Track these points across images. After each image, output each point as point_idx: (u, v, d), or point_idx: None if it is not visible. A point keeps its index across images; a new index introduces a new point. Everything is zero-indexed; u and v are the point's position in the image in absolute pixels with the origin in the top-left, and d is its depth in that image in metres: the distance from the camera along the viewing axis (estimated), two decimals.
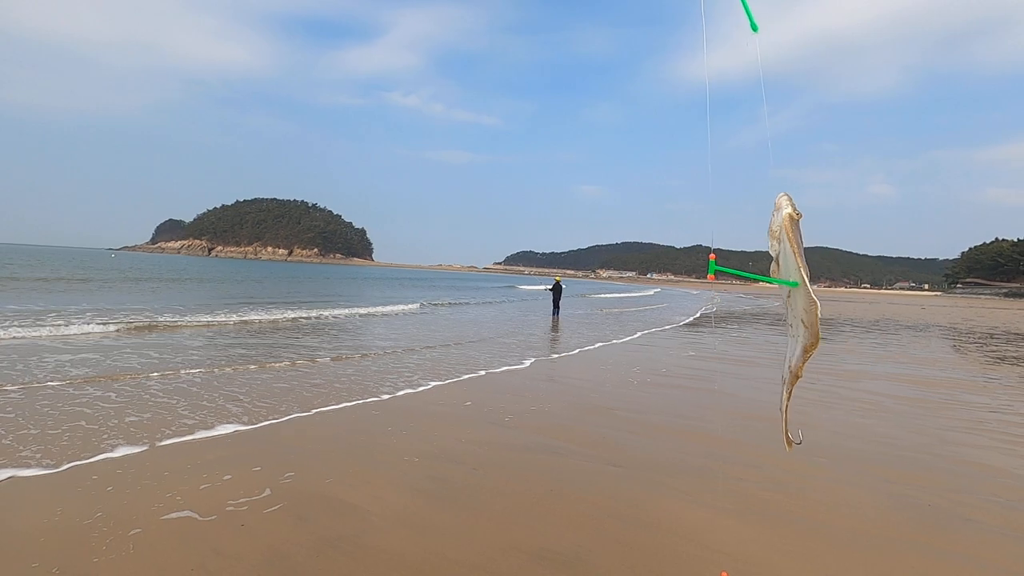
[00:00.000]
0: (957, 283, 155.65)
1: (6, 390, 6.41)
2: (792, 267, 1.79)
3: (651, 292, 67.64)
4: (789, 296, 1.88)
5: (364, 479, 4.32)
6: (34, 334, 10.53)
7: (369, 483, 4.24)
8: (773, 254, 1.90)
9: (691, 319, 24.19)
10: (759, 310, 34.65)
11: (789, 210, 1.80)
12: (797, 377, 1.93)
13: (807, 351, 1.84)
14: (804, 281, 1.76)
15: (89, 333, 11.18)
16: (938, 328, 25.72)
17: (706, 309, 32.84)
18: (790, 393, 2.01)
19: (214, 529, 3.37)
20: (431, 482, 4.32)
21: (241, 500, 3.75)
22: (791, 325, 1.90)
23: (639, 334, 16.43)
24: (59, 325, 11.62)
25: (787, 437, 2.07)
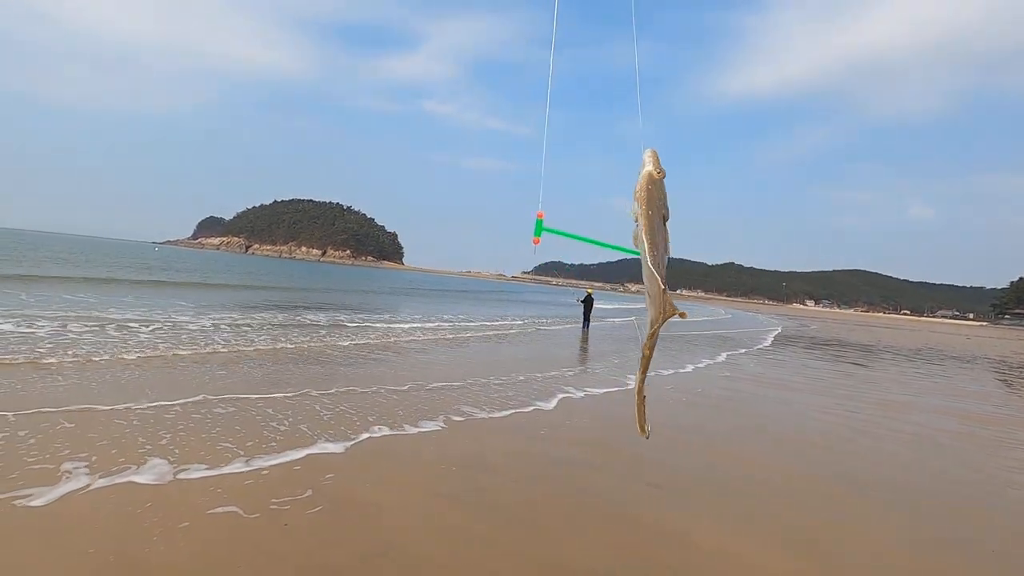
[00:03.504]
0: (1005, 314, 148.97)
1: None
2: (641, 232, 1.62)
3: (724, 314, 58.03)
4: (642, 266, 1.71)
5: (402, 485, 4.31)
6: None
7: (407, 489, 4.23)
8: (632, 217, 1.69)
9: (767, 343, 23.69)
10: (796, 333, 33.75)
11: (650, 167, 1.61)
12: (646, 357, 1.74)
13: (652, 324, 1.68)
14: (644, 251, 1.57)
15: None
16: (986, 360, 24.58)
17: (777, 332, 32.06)
18: (644, 373, 1.82)
19: (258, 527, 3.40)
20: (469, 492, 4.29)
21: (284, 499, 3.79)
22: (646, 297, 1.75)
23: (724, 355, 16.15)
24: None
25: (641, 422, 1.88)
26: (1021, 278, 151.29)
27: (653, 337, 1.71)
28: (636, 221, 1.67)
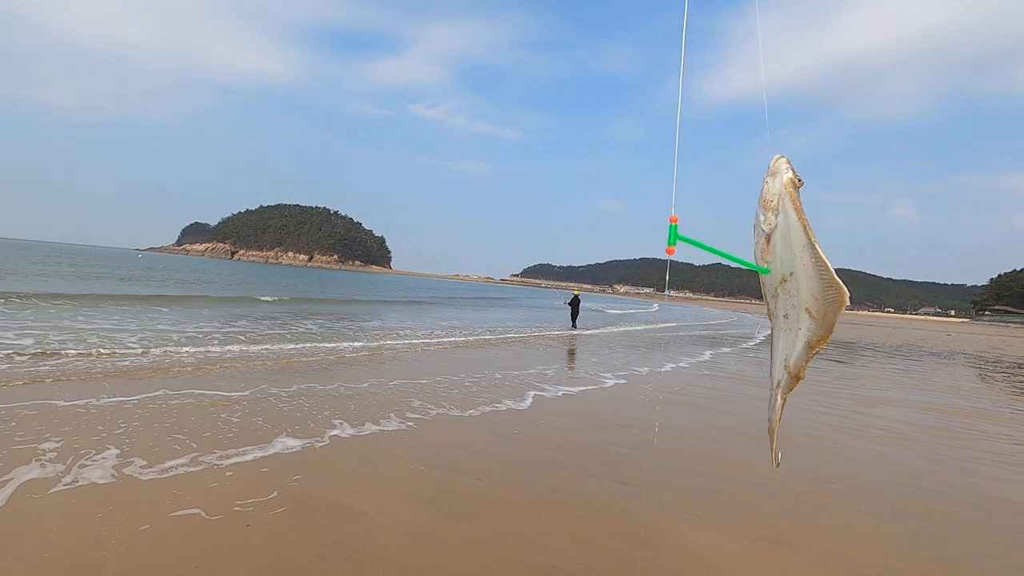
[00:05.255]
0: (985, 310, 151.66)
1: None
2: (798, 243, 1.47)
3: (734, 317, 52.42)
4: (784, 281, 1.55)
5: (369, 485, 4.33)
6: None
7: (374, 490, 4.25)
8: (766, 228, 1.55)
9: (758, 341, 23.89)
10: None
11: (790, 174, 1.49)
12: (798, 379, 1.60)
13: (812, 347, 1.51)
14: (822, 259, 1.42)
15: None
16: (963, 356, 25.03)
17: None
18: (784, 399, 1.66)
19: (220, 528, 3.41)
20: (435, 492, 4.32)
21: (248, 501, 3.79)
22: (784, 316, 1.58)
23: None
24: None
25: (775, 451, 1.76)
26: (1000, 275, 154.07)
27: (811, 358, 1.55)
28: (759, 234, 1.57)
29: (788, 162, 1.51)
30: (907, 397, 11.14)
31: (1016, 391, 13.64)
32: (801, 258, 1.46)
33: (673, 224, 1.52)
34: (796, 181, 1.49)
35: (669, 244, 1.53)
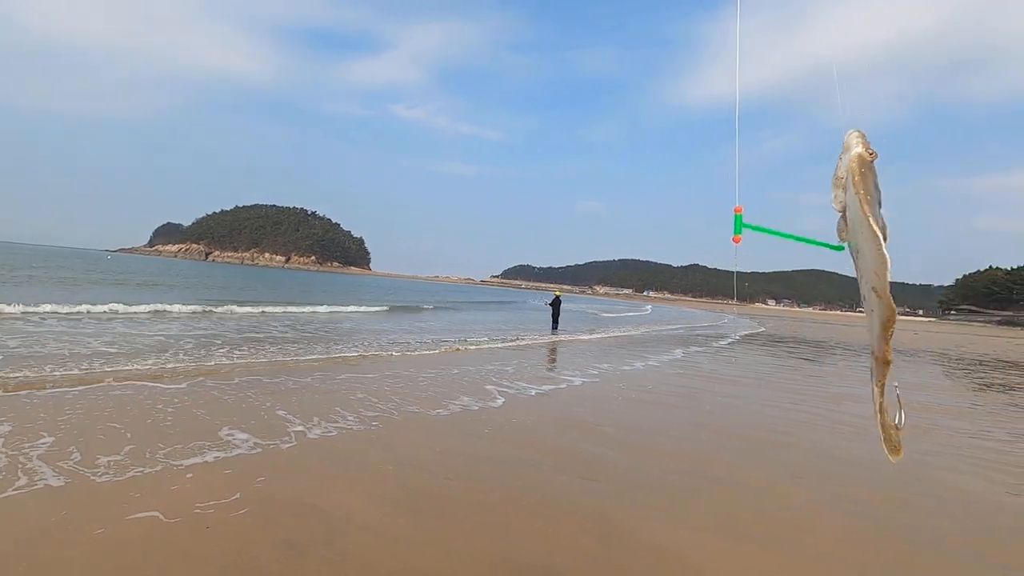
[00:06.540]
0: (951, 310, 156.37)
1: None
2: (858, 218, 1.39)
3: (724, 319, 51.92)
4: (857, 258, 1.47)
5: (336, 485, 4.30)
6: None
7: (341, 489, 4.23)
8: (836, 206, 1.51)
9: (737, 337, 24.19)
10: (755, 331, 34.72)
11: (860, 149, 1.42)
12: (886, 362, 1.48)
13: (886, 327, 1.42)
14: (876, 235, 1.34)
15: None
16: (928, 354, 25.76)
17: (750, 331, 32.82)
18: (882, 385, 1.52)
19: (179, 531, 3.35)
20: (403, 491, 4.30)
21: (209, 503, 3.74)
22: (865, 297, 1.49)
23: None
24: None
25: (891, 443, 1.55)
26: (965, 275, 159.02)
27: (889, 339, 1.45)
28: (841, 211, 1.50)
29: (860, 136, 1.44)
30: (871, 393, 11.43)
31: (976, 387, 14.12)
32: (861, 233, 1.39)
33: (738, 214, 1.55)
34: (866, 155, 1.41)
35: (735, 233, 1.56)
